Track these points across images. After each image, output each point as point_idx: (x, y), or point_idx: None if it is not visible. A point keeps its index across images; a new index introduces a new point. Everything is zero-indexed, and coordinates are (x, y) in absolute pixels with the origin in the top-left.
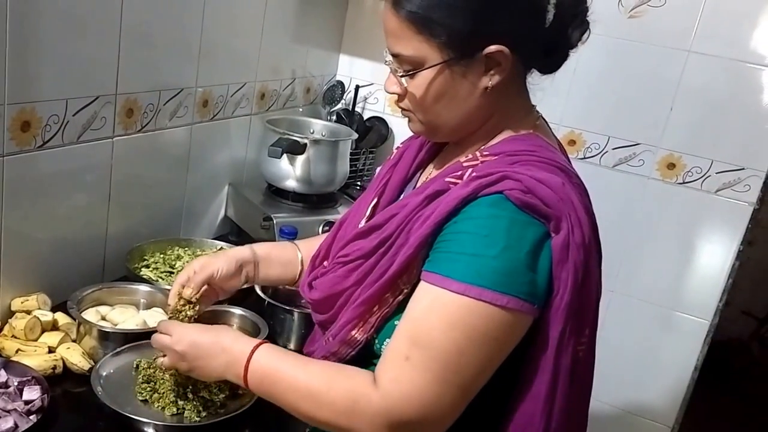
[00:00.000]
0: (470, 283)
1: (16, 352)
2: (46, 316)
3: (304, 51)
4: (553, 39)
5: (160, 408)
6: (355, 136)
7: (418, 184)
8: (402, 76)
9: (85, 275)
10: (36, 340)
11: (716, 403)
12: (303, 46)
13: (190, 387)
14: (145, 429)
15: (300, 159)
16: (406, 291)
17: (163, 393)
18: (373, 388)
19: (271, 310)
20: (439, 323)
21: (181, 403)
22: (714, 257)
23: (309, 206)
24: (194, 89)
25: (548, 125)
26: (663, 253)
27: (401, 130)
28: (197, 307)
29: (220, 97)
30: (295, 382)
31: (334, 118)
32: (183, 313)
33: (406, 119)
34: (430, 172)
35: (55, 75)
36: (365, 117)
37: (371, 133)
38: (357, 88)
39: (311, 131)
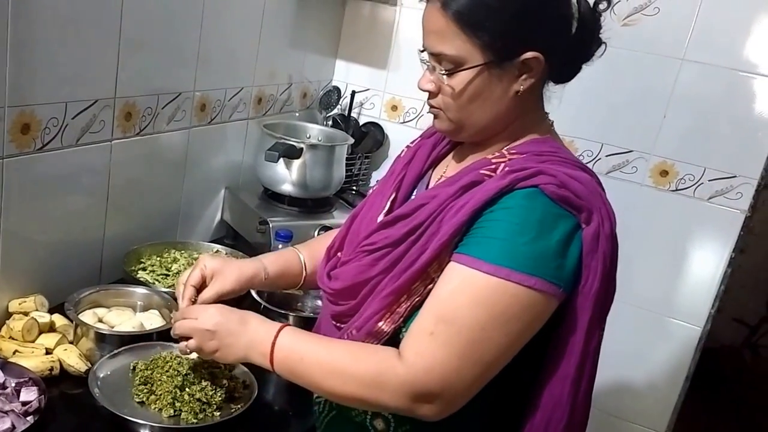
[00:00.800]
0: (500, 264)
1: (14, 353)
2: (44, 317)
3: (301, 56)
4: (573, 50)
5: (156, 410)
6: (351, 141)
7: (431, 181)
8: (442, 74)
9: (82, 277)
10: (33, 341)
11: (708, 409)
12: (300, 51)
13: (187, 389)
14: (142, 430)
15: (296, 163)
16: (436, 279)
17: (160, 395)
18: (398, 361)
19: (266, 313)
20: (466, 301)
21: (177, 404)
22: (706, 264)
23: (305, 210)
24: (192, 93)
25: None
26: (656, 260)
27: (396, 135)
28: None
29: (218, 101)
30: (320, 359)
31: (331, 123)
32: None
33: (432, 116)
34: (444, 170)
35: (55, 78)
36: (361, 122)
37: (367, 138)
38: (353, 93)
39: (308, 136)
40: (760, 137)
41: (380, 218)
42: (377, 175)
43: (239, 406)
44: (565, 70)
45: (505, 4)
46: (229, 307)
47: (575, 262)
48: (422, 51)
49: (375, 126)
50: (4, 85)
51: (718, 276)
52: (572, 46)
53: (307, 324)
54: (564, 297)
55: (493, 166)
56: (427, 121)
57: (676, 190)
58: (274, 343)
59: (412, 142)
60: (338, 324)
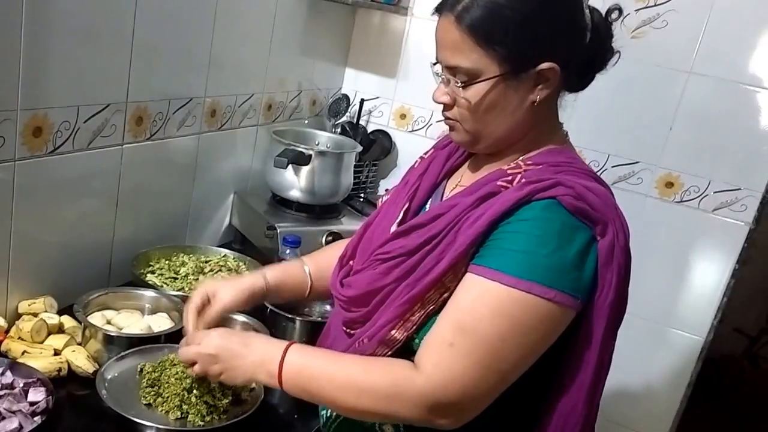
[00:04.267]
0: (520, 277)
1: (22, 353)
2: (53, 319)
3: (311, 64)
4: (587, 60)
5: (163, 412)
6: (360, 148)
7: (445, 192)
8: (457, 86)
9: (91, 280)
10: (42, 342)
11: (708, 419)
12: (310, 59)
13: (194, 391)
14: None
15: (305, 170)
16: (452, 289)
17: (167, 397)
18: (414, 372)
19: (273, 318)
20: (486, 312)
21: (185, 407)
22: (709, 275)
23: (312, 216)
24: (203, 99)
25: None
26: (659, 270)
27: (405, 144)
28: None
29: (228, 107)
30: (333, 374)
31: (339, 130)
32: None
33: (448, 128)
34: (458, 180)
35: (68, 83)
36: (369, 130)
37: (375, 146)
38: (362, 101)
39: (316, 143)
40: (765, 150)
41: (394, 228)
42: (385, 183)
43: (246, 409)
44: (579, 79)
45: (520, 16)
46: (231, 330)
47: (591, 274)
48: (435, 64)
49: (383, 134)
50: (17, 89)
51: (721, 287)
52: (587, 55)
53: (315, 328)
54: (580, 308)
55: (510, 177)
56: (436, 129)
57: (681, 201)
58: (282, 362)
59: (425, 153)
60: (349, 330)
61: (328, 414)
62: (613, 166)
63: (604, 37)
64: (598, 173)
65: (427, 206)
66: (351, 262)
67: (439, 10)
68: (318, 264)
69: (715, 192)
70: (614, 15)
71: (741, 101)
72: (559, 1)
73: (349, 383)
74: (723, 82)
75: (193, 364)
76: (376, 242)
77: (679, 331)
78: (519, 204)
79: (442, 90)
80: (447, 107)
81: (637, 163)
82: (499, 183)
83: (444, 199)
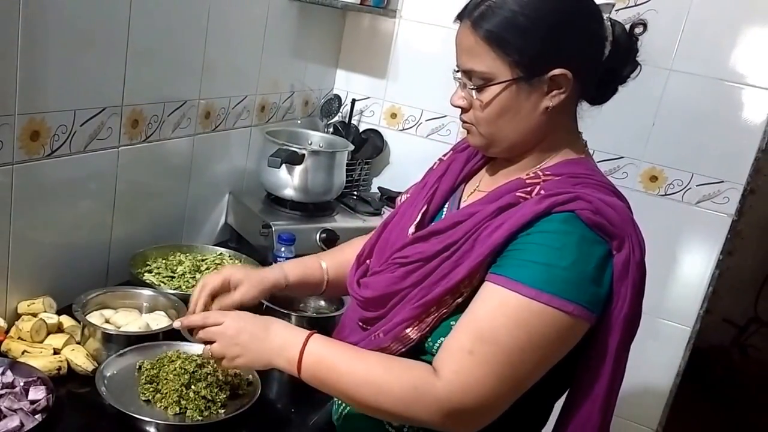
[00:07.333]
0: (541, 290)
1: (22, 353)
2: (52, 318)
3: (303, 66)
4: (607, 72)
5: (162, 408)
6: (352, 147)
7: (463, 195)
8: (472, 89)
9: (89, 279)
10: (42, 341)
11: (698, 407)
12: (302, 61)
13: (192, 387)
14: (148, 428)
15: (298, 169)
16: (465, 294)
17: (166, 393)
18: (434, 378)
19: (268, 313)
20: (506, 322)
21: (183, 402)
22: (695, 266)
23: (306, 214)
24: (197, 101)
25: None
26: (646, 262)
27: (396, 142)
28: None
29: (222, 109)
30: (354, 369)
31: (331, 130)
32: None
33: (465, 132)
34: (476, 184)
35: (64, 87)
36: (361, 129)
37: (367, 144)
38: (353, 101)
39: (309, 142)
40: (745, 144)
41: (411, 230)
42: (377, 181)
43: (244, 403)
44: (599, 91)
45: (534, 23)
46: (251, 313)
47: (607, 288)
48: (456, 71)
49: (375, 133)
50: (14, 93)
51: (707, 278)
52: (606, 67)
53: (310, 324)
54: (595, 321)
55: (529, 188)
56: (426, 128)
57: (665, 194)
58: (303, 350)
59: (444, 155)
60: (366, 326)
61: (339, 401)
62: (598, 161)
63: (626, 51)
64: None
65: (445, 209)
66: (368, 261)
67: (459, 17)
68: (336, 261)
69: (697, 185)
70: (639, 30)
71: (721, 97)
72: (573, 10)
73: (368, 381)
74: (702, 79)
75: (211, 343)
76: (393, 243)
77: (667, 321)
78: (539, 216)
79: (459, 94)
80: (464, 111)
81: (621, 158)
82: (518, 194)
83: (462, 203)
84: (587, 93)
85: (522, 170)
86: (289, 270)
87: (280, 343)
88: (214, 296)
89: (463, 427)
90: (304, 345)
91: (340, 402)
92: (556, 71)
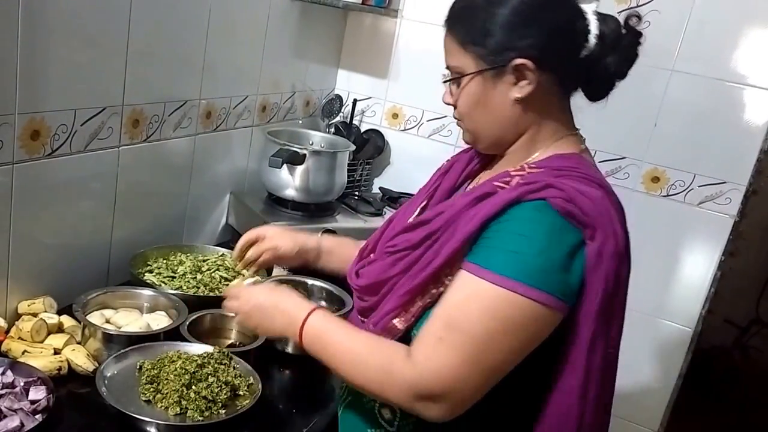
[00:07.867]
0: (507, 276)
1: (23, 353)
2: (52, 318)
3: (304, 66)
4: (593, 67)
5: (163, 408)
6: (353, 147)
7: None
8: (445, 82)
9: (90, 279)
10: (42, 341)
11: (700, 408)
12: (303, 61)
13: (193, 387)
14: (148, 428)
15: (299, 169)
16: (448, 284)
17: (167, 393)
18: (407, 362)
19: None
20: (475, 309)
21: (184, 403)
22: (697, 267)
23: (308, 214)
24: (198, 101)
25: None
26: (648, 263)
27: (397, 142)
28: (253, 269)
29: (223, 109)
30: (341, 345)
31: (333, 130)
32: (241, 275)
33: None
34: (478, 182)
35: (65, 86)
36: (362, 129)
37: (368, 145)
38: (355, 101)
39: (310, 143)
40: (747, 145)
41: (410, 220)
42: (379, 181)
43: (244, 403)
44: (592, 86)
45: (493, 15)
46: (268, 289)
47: (579, 278)
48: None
49: (376, 133)
50: (14, 93)
51: (708, 279)
52: (590, 61)
53: None
54: (568, 311)
55: (508, 179)
56: (427, 128)
57: (667, 195)
58: (302, 327)
59: (452, 156)
60: (363, 318)
61: (342, 392)
62: (600, 162)
63: (614, 45)
64: None
65: None
66: (371, 256)
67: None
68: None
69: (699, 186)
70: (633, 21)
71: (723, 98)
72: (536, 2)
73: (350, 355)
74: (704, 80)
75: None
76: (389, 236)
77: (669, 322)
78: (510, 204)
79: (447, 92)
80: (455, 108)
81: (623, 158)
82: (495, 183)
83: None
84: (568, 86)
85: (510, 164)
86: (324, 238)
87: (288, 319)
88: (251, 244)
89: (434, 413)
90: (305, 320)
91: (342, 393)
92: (517, 61)
